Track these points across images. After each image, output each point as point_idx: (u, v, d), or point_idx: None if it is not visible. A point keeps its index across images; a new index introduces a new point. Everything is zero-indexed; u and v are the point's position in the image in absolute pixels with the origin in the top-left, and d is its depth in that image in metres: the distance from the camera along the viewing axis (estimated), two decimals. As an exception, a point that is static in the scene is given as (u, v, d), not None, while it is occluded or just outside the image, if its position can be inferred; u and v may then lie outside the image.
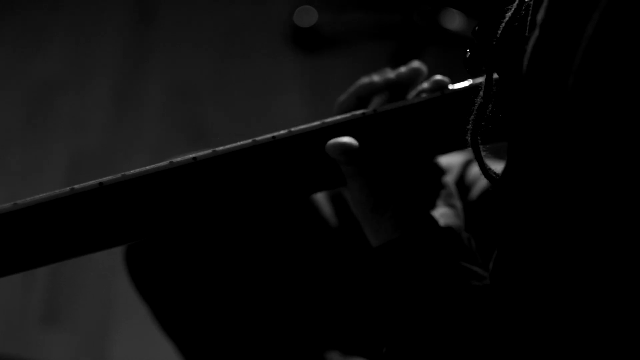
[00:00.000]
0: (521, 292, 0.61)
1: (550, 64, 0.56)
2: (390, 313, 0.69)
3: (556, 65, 0.55)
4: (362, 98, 0.79)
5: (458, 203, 0.75)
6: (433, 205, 0.73)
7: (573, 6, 0.54)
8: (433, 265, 0.68)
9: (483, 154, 0.67)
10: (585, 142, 0.52)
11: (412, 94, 0.78)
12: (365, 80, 0.79)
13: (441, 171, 0.77)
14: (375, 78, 0.79)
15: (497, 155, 0.71)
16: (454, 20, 2.39)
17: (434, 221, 0.71)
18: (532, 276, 0.59)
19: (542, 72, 0.57)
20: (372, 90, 0.79)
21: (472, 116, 0.67)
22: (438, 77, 0.78)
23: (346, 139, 0.71)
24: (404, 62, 0.82)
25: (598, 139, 0.51)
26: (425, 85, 0.78)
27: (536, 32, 0.58)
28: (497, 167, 0.68)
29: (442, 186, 0.76)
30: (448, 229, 0.71)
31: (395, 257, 0.69)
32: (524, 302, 0.60)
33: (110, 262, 1.77)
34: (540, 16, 0.57)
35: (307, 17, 2.49)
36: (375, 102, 0.79)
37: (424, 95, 0.76)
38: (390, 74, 0.79)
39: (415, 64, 0.80)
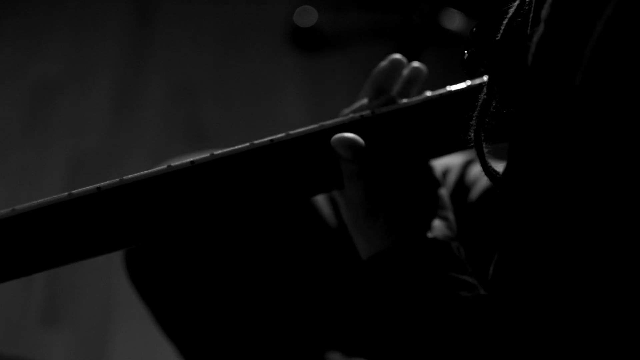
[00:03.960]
0: (523, 294, 0.60)
1: (556, 60, 0.55)
2: (381, 326, 0.69)
3: (562, 62, 0.54)
4: (380, 89, 0.77)
5: (451, 215, 0.74)
6: (426, 217, 0.72)
7: (579, 2, 0.54)
8: (423, 278, 0.67)
9: (485, 151, 0.67)
10: (592, 141, 0.52)
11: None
12: (375, 70, 0.78)
13: (437, 182, 0.76)
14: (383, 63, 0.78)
15: (497, 156, 0.71)
16: (454, 20, 2.39)
17: (424, 231, 0.70)
18: (535, 279, 0.59)
19: (547, 68, 0.56)
20: (387, 74, 0.77)
21: (476, 112, 0.66)
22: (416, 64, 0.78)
23: (354, 135, 0.70)
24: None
25: (606, 137, 0.51)
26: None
27: (540, 28, 0.57)
28: (498, 167, 0.68)
29: (436, 197, 0.75)
30: (437, 239, 0.70)
31: (384, 270, 0.69)
32: (527, 305, 0.60)
33: (110, 262, 1.77)
34: (545, 12, 0.57)
35: (307, 17, 2.49)
36: (383, 99, 0.77)
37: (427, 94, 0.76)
38: (396, 55, 0.78)
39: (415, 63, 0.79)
